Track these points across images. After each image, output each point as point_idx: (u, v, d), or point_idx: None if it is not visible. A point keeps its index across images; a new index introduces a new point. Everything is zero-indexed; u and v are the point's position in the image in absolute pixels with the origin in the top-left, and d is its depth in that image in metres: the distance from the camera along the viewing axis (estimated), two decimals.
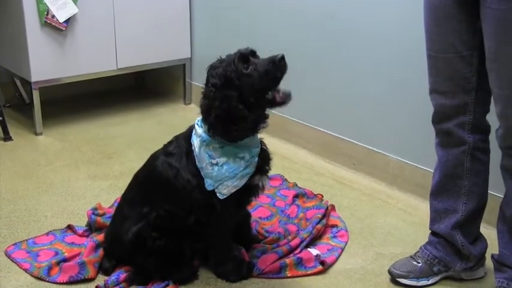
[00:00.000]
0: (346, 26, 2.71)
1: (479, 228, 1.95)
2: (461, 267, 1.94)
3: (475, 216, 1.91)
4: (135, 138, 3.15)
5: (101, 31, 3.21)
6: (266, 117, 1.88)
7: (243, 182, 1.85)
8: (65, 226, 2.25)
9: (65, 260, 2.02)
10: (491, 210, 1.94)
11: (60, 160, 2.89)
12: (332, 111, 2.86)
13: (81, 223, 2.28)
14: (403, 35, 2.47)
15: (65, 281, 1.95)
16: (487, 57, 1.67)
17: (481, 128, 1.84)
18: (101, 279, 1.95)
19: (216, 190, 1.84)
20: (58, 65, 3.12)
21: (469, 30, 1.71)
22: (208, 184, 1.84)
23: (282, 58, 1.78)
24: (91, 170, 2.78)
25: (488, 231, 2.04)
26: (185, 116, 3.47)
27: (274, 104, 1.83)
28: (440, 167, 1.89)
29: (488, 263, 1.95)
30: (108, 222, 2.16)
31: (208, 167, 1.83)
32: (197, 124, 1.88)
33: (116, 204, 2.36)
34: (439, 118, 1.85)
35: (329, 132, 2.86)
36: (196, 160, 1.85)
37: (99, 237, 2.10)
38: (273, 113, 3.05)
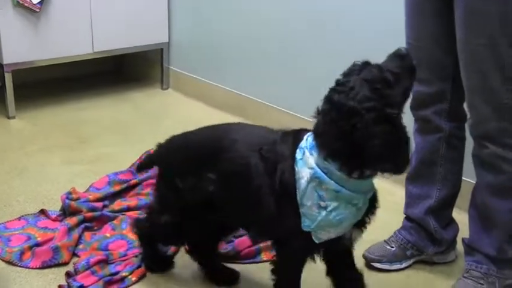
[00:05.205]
0: (338, 13, 2.70)
1: (451, 213, 1.98)
2: (434, 251, 1.97)
3: (448, 202, 1.94)
4: (110, 123, 3.11)
5: (77, 13, 3.15)
6: None
7: (347, 230, 1.54)
8: (37, 211, 2.23)
9: (37, 245, 2.00)
10: (463, 196, 1.96)
11: (33, 144, 2.84)
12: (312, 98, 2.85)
13: (54, 208, 2.25)
14: (391, 22, 2.47)
15: (37, 266, 1.93)
16: (457, 47, 1.68)
17: (457, 116, 1.85)
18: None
19: (313, 233, 1.52)
20: (31, 47, 3.06)
21: (448, 19, 1.71)
22: (306, 225, 1.51)
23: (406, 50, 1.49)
24: (65, 154, 2.74)
25: (460, 216, 2.06)
26: (162, 101, 3.43)
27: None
28: (417, 153, 1.91)
29: (459, 246, 1.98)
30: (82, 206, 2.14)
31: (314, 209, 1.48)
32: (308, 150, 1.48)
33: (91, 189, 2.34)
34: (417, 105, 1.86)
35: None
36: (298, 193, 1.49)
37: (72, 221, 2.08)
38: (262, 102, 3.02)
